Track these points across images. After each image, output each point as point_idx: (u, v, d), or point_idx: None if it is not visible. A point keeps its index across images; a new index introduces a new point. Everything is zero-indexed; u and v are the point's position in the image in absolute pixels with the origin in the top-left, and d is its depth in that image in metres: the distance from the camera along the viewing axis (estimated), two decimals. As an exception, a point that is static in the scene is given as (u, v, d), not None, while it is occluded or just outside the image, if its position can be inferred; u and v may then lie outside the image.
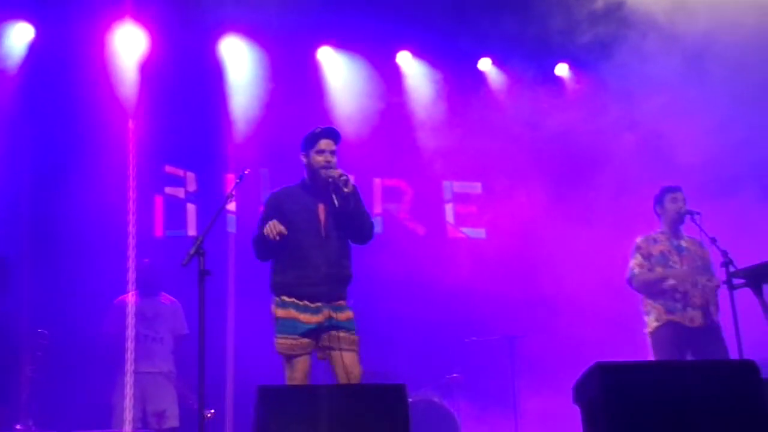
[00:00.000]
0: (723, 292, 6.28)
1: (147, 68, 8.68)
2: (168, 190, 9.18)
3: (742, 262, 6.15)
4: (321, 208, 5.59)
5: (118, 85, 8.57)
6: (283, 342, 5.40)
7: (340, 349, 5.38)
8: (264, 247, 5.50)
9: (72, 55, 8.54)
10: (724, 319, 6.60)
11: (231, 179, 8.97)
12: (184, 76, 8.85)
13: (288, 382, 5.39)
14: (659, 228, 7.13)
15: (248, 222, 9.11)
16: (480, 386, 8.68)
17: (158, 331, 7.78)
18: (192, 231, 9.09)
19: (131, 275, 7.76)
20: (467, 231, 10.21)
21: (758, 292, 5.92)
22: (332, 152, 5.61)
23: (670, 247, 6.99)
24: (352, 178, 5.56)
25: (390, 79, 9.85)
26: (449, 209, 10.28)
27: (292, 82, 9.39)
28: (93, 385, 7.73)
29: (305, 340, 5.40)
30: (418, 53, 10.00)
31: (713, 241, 6.48)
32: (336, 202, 5.46)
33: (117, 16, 8.57)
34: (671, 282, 6.81)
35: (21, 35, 8.58)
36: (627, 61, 8.63)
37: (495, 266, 9.24)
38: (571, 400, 4.39)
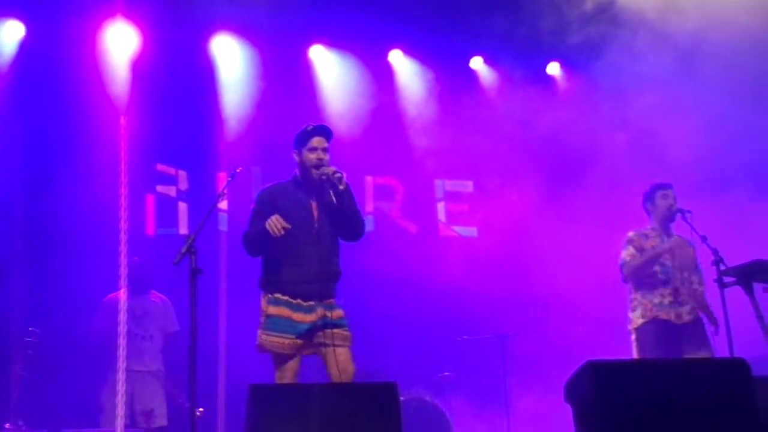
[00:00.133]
0: (714, 290, 6.28)
1: (138, 66, 8.66)
2: (159, 188, 9.16)
3: (733, 260, 6.17)
4: (314, 205, 5.59)
5: (109, 83, 8.55)
6: (274, 340, 5.39)
7: (334, 345, 5.38)
8: (259, 243, 5.47)
9: (63, 54, 8.53)
10: (715, 317, 6.62)
11: (223, 178, 8.95)
12: (175, 75, 8.84)
13: (277, 381, 5.40)
14: (649, 225, 7.14)
15: (240, 220, 9.09)
16: (472, 385, 8.68)
17: (147, 329, 7.77)
18: (184, 229, 9.08)
19: (123, 273, 7.73)
20: (459, 229, 10.21)
21: (749, 290, 5.94)
22: (324, 150, 5.61)
23: (661, 243, 7.00)
24: (344, 175, 5.57)
25: (382, 78, 9.85)
26: (441, 208, 10.28)
27: (284, 80, 9.38)
28: (83, 383, 7.71)
29: (299, 341, 5.40)
30: (410, 52, 10.01)
31: (704, 239, 6.49)
32: (333, 199, 5.45)
33: (108, 14, 8.55)
34: (666, 264, 6.82)
35: (11, 33, 8.56)
36: (618, 59, 8.64)
37: (487, 265, 9.25)
38: (563, 398, 4.39)
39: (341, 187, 5.45)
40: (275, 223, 5.27)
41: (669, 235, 7.05)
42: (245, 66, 9.29)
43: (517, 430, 8.44)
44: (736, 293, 6.06)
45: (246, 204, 8.98)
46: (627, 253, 6.97)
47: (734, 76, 8.26)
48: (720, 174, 8.54)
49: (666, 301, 6.81)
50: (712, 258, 6.27)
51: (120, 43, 8.66)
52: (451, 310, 9.23)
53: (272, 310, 5.45)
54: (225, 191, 5.66)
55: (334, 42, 9.69)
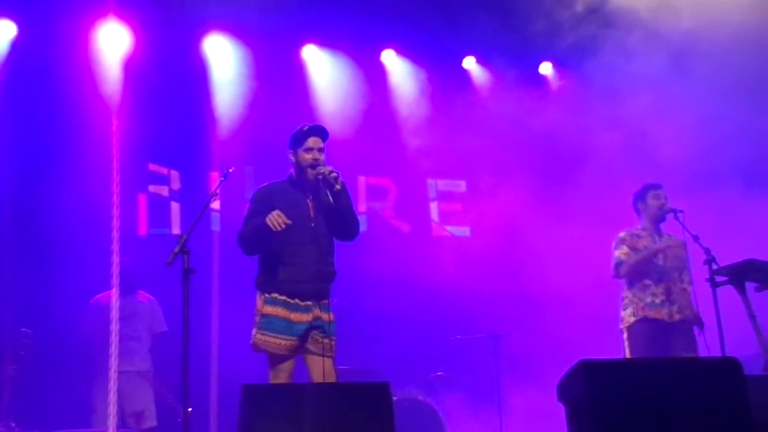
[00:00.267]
0: (706, 290, 6.28)
1: (131, 66, 8.64)
2: (152, 188, 9.15)
3: (725, 258, 6.18)
4: (310, 204, 5.59)
5: (101, 83, 8.52)
6: (270, 340, 5.38)
7: (323, 356, 5.38)
8: (257, 239, 5.45)
9: (55, 53, 8.50)
10: (707, 317, 6.62)
11: (215, 177, 8.93)
12: (168, 74, 8.82)
13: (271, 380, 5.39)
14: (640, 225, 7.15)
15: (233, 220, 9.09)
16: (465, 384, 8.68)
17: (136, 329, 7.75)
18: (176, 229, 9.06)
19: (115, 274, 7.71)
20: (452, 229, 10.21)
21: (741, 289, 5.96)
22: (320, 150, 5.60)
23: (653, 243, 7.00)
24: (340, 175, 5.56)
25: (374, 78, 9.86)
26: (434, 207, 10.29)
27: (277, 80, 9.38)
28: (75, 384, 7.69)
29: (294, 343, 5.40)
30: (403, 51, 10.01)
31: (696, 238, 6.50)
32: (330, 199, 5.44)
33: (100, 14, 8.53)
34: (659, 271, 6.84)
35: (3, 33, 8.53)
36: (611, 59, 8.65)
37: (479, 264, 9.25)
38: (556, 397, 4.40)
39: (337, 187, 5.44)
40: (276, 218, 5.26)
41: (660, 235, 7.07)
42: (238, 66, 9.28)
43: (510, 429, 8.44)
44: (728, 292, 6.08)
45: (239, 204, 8.99)
46: (621, 252, 6.98)
47: (727, 75, 8.27)
48: (712, 172, 8.54)
49: (658, 300, 6.83)
50: (704, 257, 6.28)
51: (112, 43, 8.63)
52: (444, 310, 9.24)
53: (269, 309, 5.44)
54: (217, 191, 5.65)
55: (326, 42, 9.69)
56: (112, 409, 7.01)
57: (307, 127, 5.66)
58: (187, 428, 4.79)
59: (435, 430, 7.87)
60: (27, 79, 8.43)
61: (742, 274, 5.95)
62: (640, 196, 7.16)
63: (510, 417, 8.47)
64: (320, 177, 5.49)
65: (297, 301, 5.43)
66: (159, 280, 7.63)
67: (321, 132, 5.67)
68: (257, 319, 5.47)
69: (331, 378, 5.41)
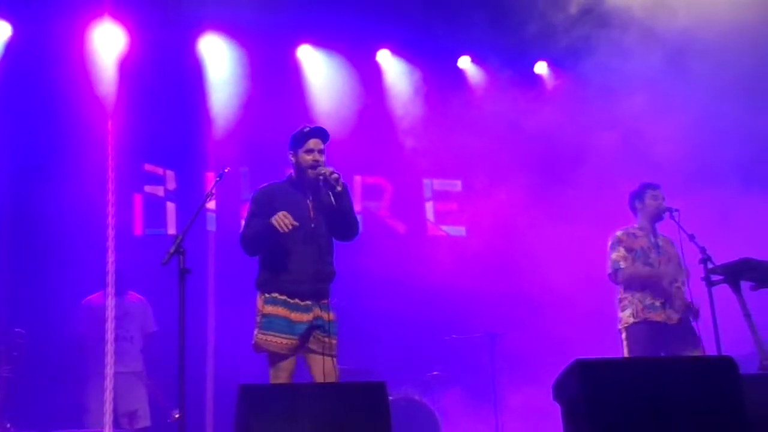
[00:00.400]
0: (702, 288, 6.29)
1: (126, 66, 8.63)
2: (147, 188, 9.15)
3: (720, 255, 6.18)
4: (309, 204, 5.60)
5: (96, 83, 8.51)
6: (272, 340, 5.38)
7: (324, 354, 5.39)
8: (261, 240, 5.45)
9: (50, 54, 8.49)
10: (703, 316, 6.62)
11: (211, 177, 8.92)
12: (163, 75, 8.82)
13: (272, 380, 5.39)
14: (636, 223, 7.13)
15: (228, 220, 9.10)
16: (461, 384, 8.68)
17: (128, 330, 7.73)
18: (172, 229, 9.06)
19: (110, 274, 7.71)
20: (447, 229, 10.22)
21: (736, 288, 5.96)
22: (320, 151, 5.61)
23: (649, 243, 6.99)
24: (341, 176, 5.56)
25: (370, 77, 9.86)
26: (429, 207, 10.29)
27: (272, 80, 9.38)
28: (69, 385, 7.67)
29: (295, 342, 5.40)
30: (398, 51, 10.02)
31: (691, 237, 6.50)
32: (332, 200, 5.45)
33: (95, 14, 8.52)
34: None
35: (-2, 33, 8.54)
36: (607, 58, 8.65)
37: (475, 264, 9.26)
38: (552, 397, 4.40)
39: (338, 189, 5.45)
40: (282, 219, 5.26)
41: (656, 235, 7.05)
42: (233, 66, 9.28)
43: (506, 428, 8.45)
44: (723, 291, 6.09)
45: (234, 204, 9.01)
46: (618, 255, 6.93)
47: (723, 73, 8.28)
48: (707, 171, 8.55)
49: (657, 303, 6.80)
50: (700, 256, 6.29)
51: (107, 43, 8.62)
52: (440, 310, 9.23)
53: (269, 309, 5.44)
54: (213, 191, 5.63)
55: (321, 42, 9.69)
56: (108, 407, 7.01)
57: (308, 129, 5.66)
58: (183, 429, 4.77)
59: (431, 429, 7.87)
60: (22, 80, 8.41)
61: (737, 273, 5.96)
62: (637, 195, 7.13)
63: (506, 416, 8.48)
64: (321, 178, 5.50)
65: (297, 300, 5.44)
66: (154, 281, 7.61)
67: (322, 133, 5.67)
68: (258, 319, 5.47)
69: (333, 377, 5.41)
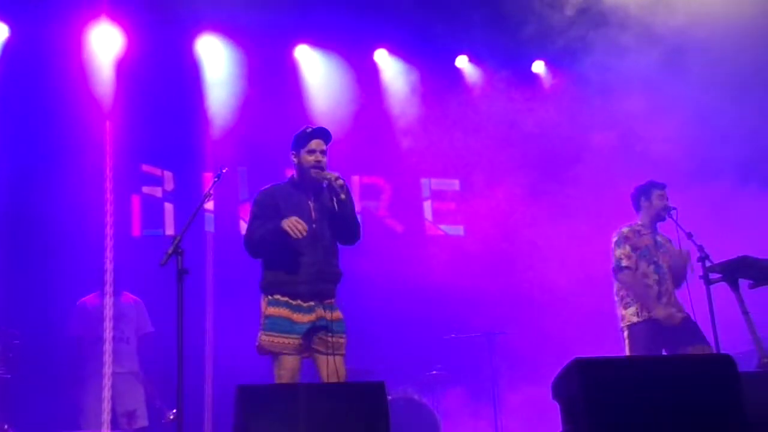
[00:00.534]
0: (700, 287, 6.28)
1: (123, 67, 8.63)
2: (145, 189, 9.14)
3: (720, 255, 6.18)
4: (311, 206, 5.61)
5: (94, 84, 8.52)
6: (275, 340, 5.39)
7: (328, 354, 5.40)
8: (269, 243, 5.45)
9: (48, 55, 8.49)
10: (701, 314, 6.61)
11: (209, 178, 8.92)
12: (161, 75, 8.81)
13: (276, 381, 5.40)
14: (638, 220, 7.08)
15: (226, 221, 9.09)
16: (460, 383, 8.68)
17: (124, 330, 7.71)
18: (170, 230, 9.05)
19: (108, 273, 7.70)
20: (445, 228, 10.22)
21: (734, 286, 5.97)
22: (322, 152, 5.61)
23: (653, 241, 6.97)
24: (345, 182, 5.57)
25: (367, 77, 9.86)
26: (427, 206, 10.29)
27: (270, 80, 9.38)
28: (67, 386, 7.66)
29: (298, 341, 5.40)
30: (395, 51, 10.02)
31: (689, 236, 6.50)
32: (335, 206, 5.46)
33: (93, 15, 8.52)
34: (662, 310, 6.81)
35: (-5, 34, 8.54)
36: (604, 57, 8.66)
37: (473, 263, 9.26)
38: (551, 396, 4.40)
39: (342, 197, 5.47)
40: (295, 224, 5.28)
41: (657, 234, 7.03)
42: (230, 66, 9.28)
43: (506, 428, 8.45)
44: (721, 289, 6.09)
45: (232, 204, 9.00)
46: (623, 252, 6.89)
47: (719, 70, 8.29)
48: (705, 168, 8.56)
49: (662, 301, 6.78)
50: (698, 255, 6.28)
51: (105, 44, 8.62)
52: (439, 309, 9.23)
53: (272, 310, 5.45)
54: (211, 192, 5.63)
55: (319, 42, 9.69)
56: (106, 406, 7.00)
57: (310, 129, 5.67)
58: (181, 430, 4.77)
59: (430, 429, 7.86)
60: (20, 81, 8.41)
61: (735, 271, 5.96)
62: (644, 192, 7.04)
63: (505, 416, 8.48)
64: (326, 183, 5.51)
65: (299, 302, 5.45)
66: (153, 282, 7.61)
67: (324, 134, 5.68)
68: (262, 321, 5.48)
69: (339, 375, 5.42)
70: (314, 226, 5.54)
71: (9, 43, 8.54)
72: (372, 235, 9.55)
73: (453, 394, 8.56)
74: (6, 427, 6.89)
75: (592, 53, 8.80)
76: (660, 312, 6.70)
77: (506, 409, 8.54)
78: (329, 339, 5.42)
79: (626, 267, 6.85)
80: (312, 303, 5.46)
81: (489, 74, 10.05)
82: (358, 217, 5.84)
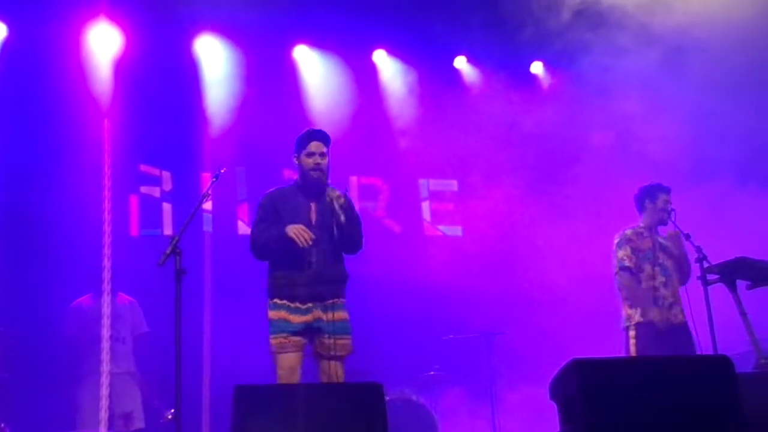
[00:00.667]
0: (698, 288, 6.28)
1: (122, 67, 8.64)
2: (143, 189, 9.13)
3: (718, 255, 6.18)
4: (312, 208, 5.64)
5: (93, 83, 8.52)
6: (275, 341, 5.47)
7: (329, 359, 5.47)
8: (273, 248, 5.51)
9: (46, 54, 8.49)
10: (699, 315, 6.60)
11: (207, 178, 8.90)
12: (159, 75, 8.82)
13: (277, 380, 5.43)
14: (640, 222, 7.05)
15: (224, 221, 9.09)
16: (458, 383, 8.67)
17: (120, 331, 7.69)
18: (168, 230, 9.05)
19: (106, 271, 7.70)
20: (444, 229, 10.22)
21: (732, 287, 5.97)
22: (322, 154, 5.66)
23: (655, 244, 6.95)
24: (350, 201, 5.65)
25: (366, 78, 9.86)
26: (426, 207, 10.29)
27: (268, 80, 9.38)
28: (65, 386, 7.65)
29: (295, 338, 5.45)
30: (394, 51, 10.02)
31: (687, 237, 6.50)
32: (335, 229, 5.54)
33: (91, 15, 8.53)
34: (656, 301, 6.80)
35: (-6, 34, 8.53)
36: (602, 57, 8.66)
37: (472, 263, 9.26)
38: (548, 396, 4.41)
39: (342, 219, 5.53)
40: (302, 233, 5.36)
41: (658, 235, 7.01)
42: (229, 66, 9.28)
43: (504, 428, 8.45)
44: (719, 290, 6.09)
45: (231, 205, 8.99)
46: (624, 254, 6.88)
47: (718, 70, 8.29)
48: (703, 168, 8.57)
49: (667, 302, 6.78)
50: (696, 256, 6.28)
51: (103, 44, 8.63)
52: (437, 309, 9.23)
53: (273, 314, 5.53)
54: (209, 192, 5.65)
55: (318, 42, 9.69)
56: (104, 404, 6.99)
57: (309, 131, 5.71)
58: (179, 430, 4.77)
59: (429, 429, 7.86)
60: (18, 80, 8.40)
61: (733, 271, 5.97)
62: (649, 195, 6.99)
63: (503, 416, 8.48)
64: (328, 200, 5.59)
65: (297, 304, 5.51)
66: (151, 282, 7.60)
67: (323, 137, 5.72)
68: (269, 326, 5.53)
69: (338, 380, 5.48)
70: (315, 228, 5.55)
71: (8, 42, 8.54)
72: (370, 236, 9.52)
73: (451, 394, 8.55)
74: (3, 426, 6.88)
75: (590, 54, 8.80)
76: (655, 315, 6.70)
77: (504, 409, 8.53)
78: (327, 342, 5.45)
79: (626, 268, 6.85)
80: (310, 305, 5.50)
81: (487, 75, 10.05)
82: (361, 226, 5.85)
